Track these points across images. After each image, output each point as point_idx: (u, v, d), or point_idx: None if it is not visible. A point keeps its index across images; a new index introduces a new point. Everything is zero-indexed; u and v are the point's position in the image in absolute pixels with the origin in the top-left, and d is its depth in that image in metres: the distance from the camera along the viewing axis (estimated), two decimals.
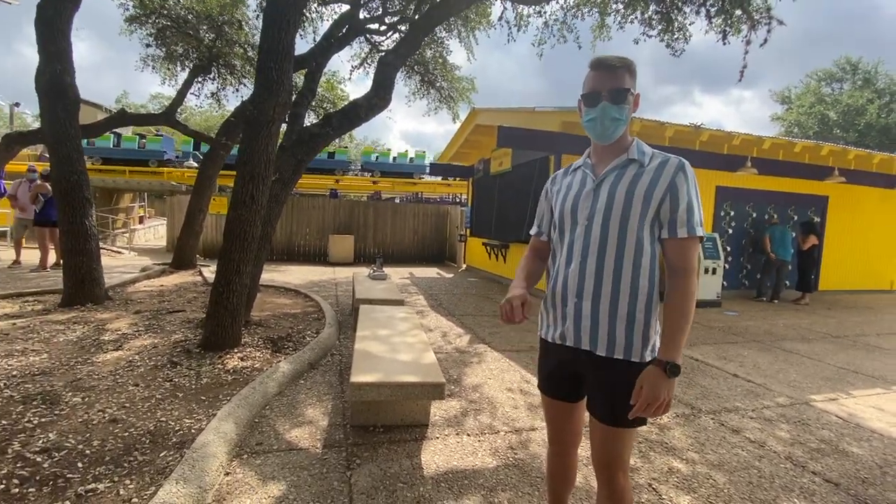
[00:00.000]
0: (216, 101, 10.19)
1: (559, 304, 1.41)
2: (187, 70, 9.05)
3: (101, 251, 5.71)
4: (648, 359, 1.30)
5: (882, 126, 22.49)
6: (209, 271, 7.65)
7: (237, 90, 9.82)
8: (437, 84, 10.04)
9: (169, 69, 9.41)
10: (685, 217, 1.27)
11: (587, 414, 1.44)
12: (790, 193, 8.83)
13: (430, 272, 10.74)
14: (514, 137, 6.99)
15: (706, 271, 7.36)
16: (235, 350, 3.61)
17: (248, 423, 2.57)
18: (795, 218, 8.88)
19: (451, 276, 10.18)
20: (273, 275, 8.78)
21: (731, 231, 8.64)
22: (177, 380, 3.04)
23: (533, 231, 1.63)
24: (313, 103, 10.44)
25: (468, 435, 2.64)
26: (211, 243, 11.16)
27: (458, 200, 17.49)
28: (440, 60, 9.44)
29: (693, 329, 5.73)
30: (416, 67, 9.54)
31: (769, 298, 8.22)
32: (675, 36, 6.52)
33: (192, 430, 2.38)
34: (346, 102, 5.67)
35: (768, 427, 2.95)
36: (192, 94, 9.43)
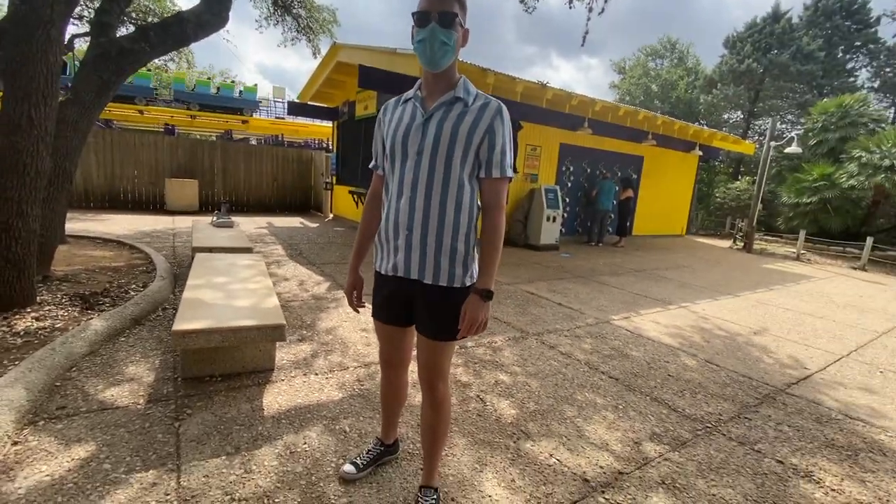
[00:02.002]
0: None
1: (391, 238, 1.46)
2: None
3: None
4: (468, 284, 1.45)
5: (687, 100, 27.29)
6: None
7: None
8: (294, 10, 9.01)
9: None
10: (499, 159, 1.39)
11: (415, 338, 1.58)
12: (616, 153, 10.33)
13: (293, 221, 10.13)
14: (376, 79, 6.75)
15: (548, 219, 8.32)
16: (28, 310, 2.99)
17: (46, 387, 2.20)
18: (619, 174, 10.47)
19: (315, 225, 9.74)
20: (89, 224, 7.35)
21: (569, 184, 9.84)
22: None
23: (371, 165, 1.63)
24: (133, 15, 8.57)
25: (316, 374, 2.66)
26: None
27: (324, 146, 16.41)
28: None
29: (532, 268, 6.52)
30: None
31: (595, 242, 9.71)
32: None
33: None
34: (169, 16, 4.72)
35: (576, 342, 3.58)
36: None
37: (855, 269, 9.59)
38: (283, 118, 21.98)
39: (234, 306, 2.58)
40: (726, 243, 12.45)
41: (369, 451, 1.83)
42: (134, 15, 8.98)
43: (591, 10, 7.32)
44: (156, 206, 10.44)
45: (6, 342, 2.59)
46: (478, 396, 2.55)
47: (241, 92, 20.41)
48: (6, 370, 2.24)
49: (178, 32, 4.04)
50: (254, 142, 16.35)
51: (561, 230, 8.79)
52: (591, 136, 8.99)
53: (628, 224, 10.38)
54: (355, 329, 3.46)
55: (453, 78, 1.41)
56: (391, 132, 1.46)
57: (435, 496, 1.60)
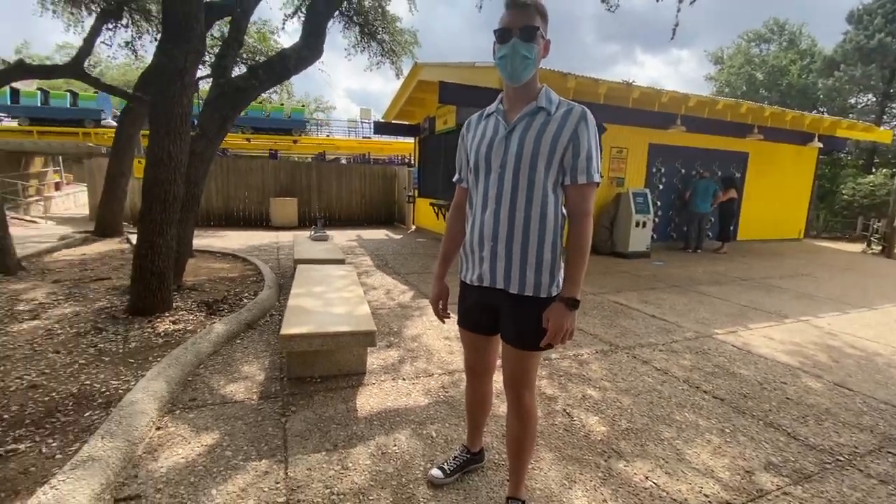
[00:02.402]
0: (132, 52, 9.24)
1: (476, 249, 1.50)
2: (94, 15, 8.07)
3: (11, 221, 5.22)
4: (554, 293, 1.44)
5: (801, 86, 24.14)
6: None
7: (154, 40, 8.92)
8: (378, 36, 9.61)
9: (72, 14, 8.37)
10: (585, 165, 1.37)
11: (500, 346, 1.59)
12: (715, 150, 9.44)
13: (379, 234, 10.69)
14: (456, 94, 6.92)
15: (637, 224, 7.83)
16: (167, 314, 3.51)
17: (181, 381, 2.56)
18: (719, 173, 9.55)
19: (399, 237, 10.19)
20: (210, 240, 8.41)
21: (661, 186, 9.18)
22: (102, 345, 2.94)
23: (455, 178, 1.69)
24: (243, 56, 9.73)
25: (403, 379, 2.78)
26: (139, 209, 10.43)
27: (406, 161, 17.19)
28: (379, 10, 9.00)
29: (621, 277, 6.18)
30: (354, 18, 9.05)
31: (693, 249, 8.93)
32: None
33: (120, 391, 2.35)
34: (273, 55, 5.34)
35: (673, 357, 3.32)
36: (104, 43, 8.47)
37: None
38: (368, 137, 23.42)
39: (332, 313, 2.80)
40: (857, 247, 10.73)
41: (456, 457, 1.86)
42: (244, 56, 10.21)
43: (681, 0, 6.86)
44: (262, 222, 11.66)
45: (151, 341, 3.06)
46: (564, 410, 2.48)
47: (289, 115, 21.41)
48: (151, 365, 2.65)
49: (282, 68, 4.52)
50: (343, 161, 17.61)
51: (652, 236, 8.22)
52: (685, 134, 8.32)
53: (731, 228, 9.39)
54: (439, 337, 3.55)
55: (535, 89, 1.42)
56: (475, 147, 1.49)
57: None
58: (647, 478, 1.92)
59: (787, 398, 2.73)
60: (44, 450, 1.86)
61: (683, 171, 9.32)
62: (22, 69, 7.18)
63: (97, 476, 1.65)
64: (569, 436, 2.23)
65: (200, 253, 6.39)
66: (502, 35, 1.34)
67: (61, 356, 2.76)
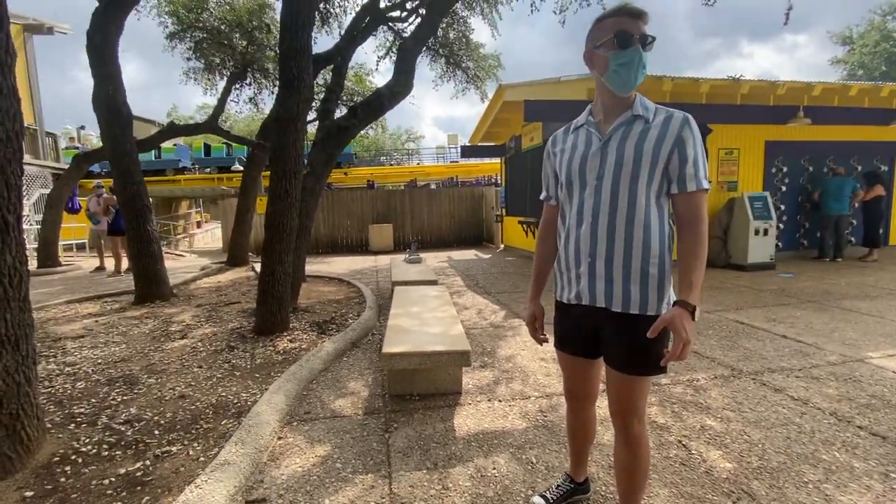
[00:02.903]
0: (254, 106, 10.71)
1: (572, 266, 1.43)
2: (225, 78, 9.56)
3: (165, 255, 6.27)
4: (663, 311, 1.32)
5: None
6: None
7: (272, 93, 10.26)
8: (463, 65, 9.99)
9: (209, 79, 9.99)
10: (692, 171, 1.28)
11: (603, 371, 1.50)
12: (852, 142, 8.11)
13: (468, 254, 10.85)
14: (541, 110, 6.89)
15: (756, 233, 6.97)
16: (285, 334, 3.91)
17: (297, 395, 2.82)
18: (859, 168, 8.16)
19: (488, 256, 10.24)
20: (318, 266, 9.22)
21: (784, 188, 8.09)
22: (234, 361, 3.36)
23: (542, 196, 1.64)
24: (343, 97, 10.71)
25: (499, 401, 2.75)
26: (261, 241, 11.84)
27: (493, 181, 17.36)
28: (463, 40, 9.38)
29: (740, 293, 5.51)
30: (440, 50, 9.54)
31: (831, 257, 7.67)
32: None
33: (248, 403, 2.65)
34: (370, 94, 5.83)
35: (814, 385, 2.85)
36: (232, 101, 9.98)
37: None
38: (456, 161, 24.13)
39: (428, 332, 2.90)
40: None
41: (559, 486, 1.78)
42: (344, 97, 11.26)
43: None
44: (362, 248, 12.53)
45: (272, 358, 3.42)
46: (679, 442, 2.25)
47: (228, 153, 22.80)
48: (273, 380, 2.96)
49: (377, 105, 4.91)
50: (433, 186, 18.32)
51: (777, 245, 7.24)
52: (810, 127, 7.30)
53: (881, 231, 7.90)
54: (534, 358, 3.46)
55: (630, 97, 1.36)
56: (566, 162, 1.45)
57: None
58: None
59: None
60: (190, 452, 2.16)
61: (811, 168, 8.13)
62: (174, 129, 8.69)
63: (232, 479, 1.87)
64: (687, 471, 2.01)
65: (312, 278, 7.04)
66: (624, 39, 1.27)
67: (203, 370, 3.21)
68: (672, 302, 1.32)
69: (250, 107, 10.82)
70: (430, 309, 3.49)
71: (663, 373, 1.35)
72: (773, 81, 6.58)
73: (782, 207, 8.04)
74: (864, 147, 8.22)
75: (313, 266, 9.08)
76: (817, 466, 2.02)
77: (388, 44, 9.65)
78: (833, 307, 4.72)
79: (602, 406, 1.76)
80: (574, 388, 1.62)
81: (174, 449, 2.18)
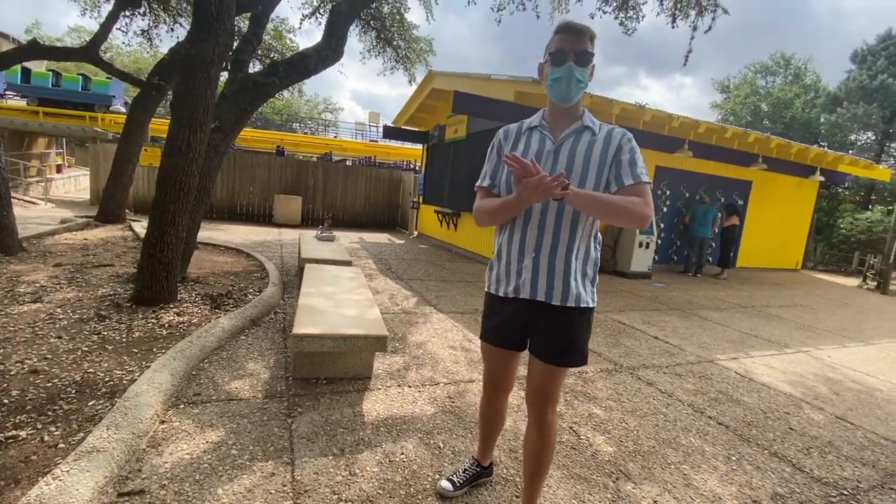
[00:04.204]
0: (147, 41, 9.24)
1: (514, 260, 1.48)
2: (112, 1, 8.09)
3: (13, 201, 5.18)
4: (592, 305, 1.47)
5: (804, 120, 24.44)
6: (141, 226, 7.17)
7: (172, 30, 8.95)
8: (394, 42, 9.68)
9: None
10: (629, 168, 1.37)
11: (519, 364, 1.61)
12: (720, 177, 9.53)
13: (381, 238, 10.68)
14: (470, 104, 6.97)
15: (640, 245, 7.87)
16: (171, 305, 3.48)
17: (185, 374, 2.53)
18: (722, 199, 9.63)
19: (401, 242, 10.18)
20: (212, 233, 8.37)
21: (665, 209, 9.24)
22: (105, 333, 2.91)
23: (485, 184, 1.60)
24: (259, 52, 9.76)
25: (409, 386, 2.76)
26: (143, 197, 10.38)
27: (412, 167, 17.22)
28: (397, 17, 9.09)
29: (623, 297, 6.19)
30: (372, 22, 9.13)
31: (693, 273, 8.97)
32: (629, 14, 6.69)
33: (124, 381, 2.31)
34: (294, 53, 5.36)
35: (677, 381, 3.32)
36: (119, 29, 8.48)
37: None
38: (375, 141, 23.49)
39: (343, 315, 2.79)
40: (854, 282, 10.82)
41: (465, 470, 1.84)
42: (259, 52, 10.25)
43: (695, 28, 6.96)
44: (265, 218, 11.63)
45: (155, 332, 3.02)
46: (571, 428, 2.47)
47: (89, 85, 18.02)
48: (156, 356, 2.62)
49: (303, 67, 4.54)
50: (349, 163, 17.63)
51: (654, 257, 8.26)
52: (691, 159, 8.41)
53: (732, 254, 9.45)
54: (444, 346, 3.53)
55: (579, 109, 1.47)
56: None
57: None
58: (655, 502, 1.91)
59: (791, 428, 2.73)
60: (45, 438, 1.83)
61: (687, 194, 9.40)
62: (35, 50, 7.17)
63: (101, 468, 1.62)
64: (576, 454, 2.21)
65: (204, 245, 6.36)
66: (558, 57, 1.38)
67: (63, 342, 2.73)
68: (594, 297, 1.49)
69: (140, 41, 9.33)
70: (345, 290, 3.36)
71: (585, 364, 1.48)
72: (669, 114, 7.44)
73: (661, 226, 9.18)
74: (728, 182, 9.71)
75: (206, 233, 8.20)
76: (678, 450, 2.35)
77: (315, 2, 8.98)
78: (693, 315, 5.53)
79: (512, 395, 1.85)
80: (495, 380, 1.68)
81: (23, 434, 1.82)
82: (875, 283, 9.93)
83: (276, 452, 1.97)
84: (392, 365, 3.05)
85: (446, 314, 4.44)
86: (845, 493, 2.11)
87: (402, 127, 11.62)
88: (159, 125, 14.09)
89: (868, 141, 22.57)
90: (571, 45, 1.35)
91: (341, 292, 3.29)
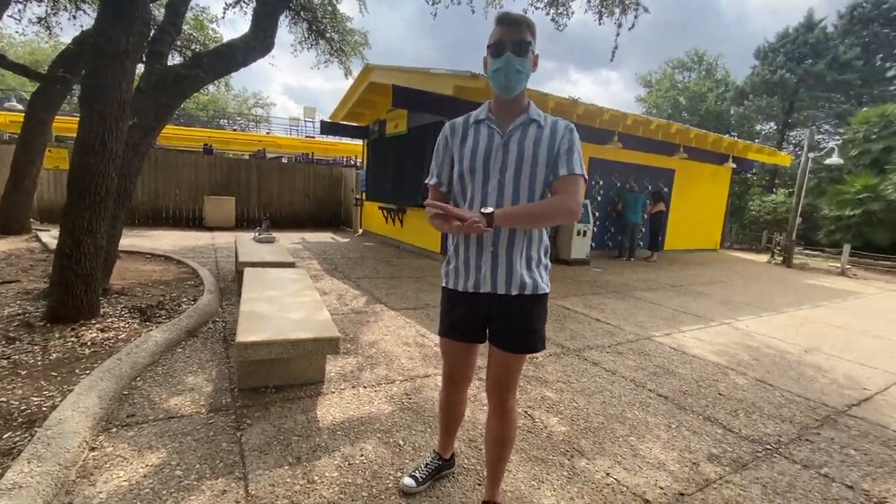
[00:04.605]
0: (45, 29, 8.26)
1: (473, 256, 1.48)
2: None
3: None
4: (546, 291, 1.51)
5: (717, 112, 26.75)
6: (50, 236, 6.44)
7: (74, 17, 8.05)
8: (327, 34, 9.36)
9: None
10: (566, 157, 1.42)
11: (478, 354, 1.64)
12: (646, 166, 10.20)
13: (324, 237, 10.37)
14: (410, 98, 6.91)
15: (578, 233, 8.25)
16: (93, 321, 3.16)
17: (116, 395, 2.32)
18: (649, 188, 10.32)
19: (346, 240, 9.95)
20: (136, 240, 7.71)
21: (599, 198, 9.75)
22: (17, 357, 2.59)
23: (432, 181, 1.61)
24: (179, 43, 9.07)
25: (364, 387, 2.71)
26: (49, 204, 9.33)
27: (353, 163, 16.81)
28: (329, 8, 8.79)
29: (565, 283, 6.46)
30: (302, 13, 8.76)
31: (627, 257, 9.55)
32: (559, 10, 6.93)
33: (44, 408, 2.07)
34: (221, 45, 5.02)
35: (619, 359, 3.52)
36: (11, 17, 7.51)
37: None
38: (312, 137, 22.67)
39: (290, 319, 2.67)
40: (763, 258, 12.05)
41: (427, 464, 1.85)
42: (179, 43, 9.51)
43: (620, 25, 7.36)
44: (195, 222, 10.87)
45: (76, 352, 2.74)
46: (525, 412, 2.54)
47: None
48: (79, 379, 2.37)
49: (229, 59, 4.27)
50: (285, 160, 16.89)
51: (591, 245, 8.70)
52: (621, 150, 8.92)
53: (660, 238, 10.17)
54: (397, 343, 3.51)
55: (524, 101, 1.49)
56: (468, 153, 1.48)
57: None
58: (608, 474, 2.02)
59: (720, 394, 3.00)
60: None
61: (619, 184, 9.97)
62: None
63: None
64: (532, 437, 2.29)
65: (127, 254, 5.83)
66: (496, 49, 1.39)
67: None
68: (548, 283, 1.55)
69: (37, 30, 8.32)
70: (290, 293, 3.22)
71: (544, 347, 1.54)
72: (600, 107, 7.82)
73: (597, 214, 9.68)
74: (654, 171, 10.42)
75: (129, 240, 7.54)
76: (624, 423, 2.50)
77: None
78: (629, 296, 5.89)
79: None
80: (455, 374, 1.69)
81: None
82: (781, 258, 11.11)
83: (226, 468, 1.86)
84: (345, 367, 2.98)
85: (398, 311, 4.40)
86: (769, 447, 2.36)
87: (341, 122, 11.29)
88: (64, 123, 12.71)
89: (771, 130, 25.15)
90: (509, 36, 1.36)
91: (286, 295, 3.16)
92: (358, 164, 15.28)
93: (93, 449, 1.91)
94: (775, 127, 24.66)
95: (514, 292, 1.46)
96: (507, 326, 1.50)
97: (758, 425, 2.59)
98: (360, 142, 13.00)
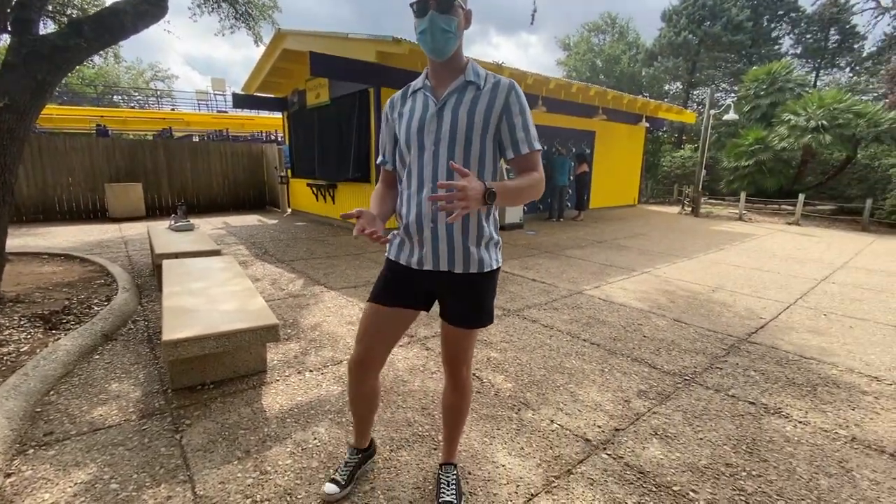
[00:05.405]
0: None
1: (415, 232, 1.41)
2: None
3: None
4: (496, 267, 1.45)
5: (630, 74, 28.20)
6: None
7: None
8: None
9: None
10: (523, 135, 1.35)
11: (401, 332, 1.58)
12: (570, 129, 10.60)
13: (250, 219, 9.76)
14: (330, 66, 6.55)
15: None
16: None
17: (27, 414, 2.08)
18: (573, 150, 10.77)
19: (274, 221, 9.45)
20: (26, 239, 6.79)
21: None
22: None
23: (378, 160, 1.57)
24: (50, 8, 7.80)
25: (310, 371, 2.65)
26: None
27: (273, 138, 15.75)
28: None
29: (503, 248, 6.66)
30: None
31: (556, 218, 10.01)
32: None
33: None
34: (103, 8, 4.35)
35: (556, 314, 3.74)
36: None
37: (790, 224, 10.45)
38: (225, 112, 20.90)
39: (221, 310, 2.51)
40: (675, 209, 13.17)
41: (347, 463, 1.72)
42: (50, 9, 8.18)
43: None
44: (96, 214, 9.73)
45: None
46: (474, 375, 2.64)
47: None
48: None
49: (116, 25, 3.74)
50: (196, 139, 15.46)
51: (524, 208, 8.99)
52: (546, 114, 9.17)
53: (585, 198, 10.74)
54: (341, 323, 3.45)
55: (461, 63, 1.38)
56: (404, 125, 1.42)
57: (455, 471, 1.68)
58: (552, 421, 2.17)
59: (644, 336, 3.30)
60: None
61: (545, 148, 10.29)
62: None
63: None
64: (482, 397, 2.39)
65: (17, 256, 5.12)
66: (419, 8, 1.29)
67: None
68: (500, 258, 1.49)
69: None
70: (219, 283, 3.02)
71: (491, 322, 1.51)
72: (524, 71, 7.93)
73: None
74: (576, 134, 10.86)
75: (17, 239, 6.62)
76: (563, 373, 2.69)
77: None
78: (561, 255, 6.21)
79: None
80: (367, 354, 1.54)
81: None
82: (690, 209, 12.22)
83: (168, 473, 1.76)
84: (288, 353, 2.90)
85: (338, 291, 4.31)
86: (687, 378, 2.65)
87: (255, 94, 10.49)
88: None
89: (678, 90, 27.01)
90: None
91: (214, 286, 2.96)
92: (279, 138, 14.37)
93: (9, 475, 1.72)
94: (681, 87, 26.54)
95: (457, 270, 1.41)
96: (455, 304, 1.47)
97: (677, 360, 2.90)
98: (279, 115, 12.21)
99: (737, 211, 11.73)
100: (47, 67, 3.37)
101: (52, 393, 2.32)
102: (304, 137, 9.75)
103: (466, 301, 1.45)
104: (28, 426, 2.03)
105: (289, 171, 10.81)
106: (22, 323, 3.02)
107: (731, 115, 11.43)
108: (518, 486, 1.75)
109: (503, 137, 1.38)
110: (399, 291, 1.50)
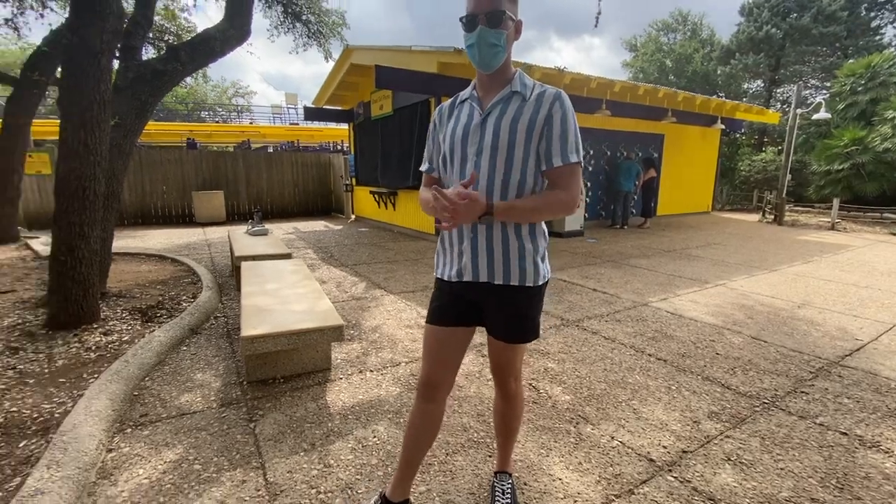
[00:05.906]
0: (13, 31, 7.97)
1: (455, 242, 1.42)
2: None
3: None
4: (541, 283, 1.40)
5: (704, 73, 26.49)
6: (41, 244, 6.37)
7: (42, 16, 7.76)
8: (304, 17, 9.10)
9: None
10: (559, 145, 1.30)
11: (465, 348, 1.53)
12: (636, 133, 10.16)
13: (317, 225, 10.32)
14: (393, 78, 6.79)
15: None
16: (95, 325, 3.17)
17: (127, 397, 2.35)
18: (640, 154, 10.30)
19: (339, 227, 9.91)
20: (127, 241, 7.65)
21: (590, 168, 9.73)
22: (22, 366, 2.60)
23: (424, 167, 1.58)
24: (151, 35, 8.79)
25: (371, 371, 2.76)
26: (35, 211, 9.17)
27: (339, 148, 16.58)
28: None
29: (561, 256, 6.51)
30: None
31: (620, 225, 9.60)
32: None
33: (56, 415, 2.10)
34: (195, 35, 4.87)
35: (618, 326, 3.59)
36: None
37: (894, 234, 9.25)
38: (296, 124, 22.29)
39: (293, 310, 2.69)
40: (755, 217, 12.15)
41: None
42: (151, 36, 9.21)
43: None
44: (185, 219, 10.76)
45: (81, 357, 2.75)
46: (530, 384, 2.61)
47: None
48: (88, 383, 2.40)
49: (207, 49, 4.16)
50: (270, 149, 16.63)
51: (585, 215, 8.72)
52: (610, 118, 8.87)
53: (652, 204, 10.21)
54: (399, 326, 3.55)
55: (508, 73, 1.37)
56: (449, 134, 1.43)
57: (511, 481, 1.67)
58: (613, 438, 2.09)
59: (717, 354, 3.08)
60: None
61: (609, 153, 9.93)
62: None
63: None
64: (538, 408, 2.35)
65: (120, 256, 5.80)
66: (468, 23, 1.29)
67: None
68: (547, 272, 1.44)
69: (5, 32, 8.03)
70: (290, 284, 3.24)
71: (537, 338, 1.48)
72: (587, 76, 7.73)
73: (588, 185, 9.68)
74: (643, 137, 10.38)
75: (120, 241, 7.48)
76: (626, 388, 2.57)
77: None
78: (625, 265, 5.95)
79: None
80: (433, 373, 1.49)
81: None
82: (772, 217, 11.22)
83: (243, 459, 1.91)
84: (350, 353, 3.03)
85: (397, 295, 4.44)
86: (766, 401, 2.44)
87: (324, 107, 11.11)
88: (41, 127, 12.41)
89: (758, 88, 24.99)
90: (481, 7, 1.25)
91: (286, 287, 3.17)
92: (345, 148, 15.08)
93: (110, 450, 1.95)
94: (762, 85, 24.50)
95: (498, 281, 1.37)
96: (496, 316, 1.42)
97: (754, 381, 2.68)
98: (345, 126, 12.82)
99: (828, 219, 10.59)
100: (149, 89, 3.81)
101: (147, 379, 2.60)
102: (368, 147, 10.17)
103: (508, 314, 1.41)
104: (127, 408, 2.29)
105: (353, 180, 11.31)
106: (123, 315, 3.42)
107: (823, 114, 10.36)
108: (576, 501, 1.70)
109: (541, 149, 1.33)
110: (449, 310, 1.47)
